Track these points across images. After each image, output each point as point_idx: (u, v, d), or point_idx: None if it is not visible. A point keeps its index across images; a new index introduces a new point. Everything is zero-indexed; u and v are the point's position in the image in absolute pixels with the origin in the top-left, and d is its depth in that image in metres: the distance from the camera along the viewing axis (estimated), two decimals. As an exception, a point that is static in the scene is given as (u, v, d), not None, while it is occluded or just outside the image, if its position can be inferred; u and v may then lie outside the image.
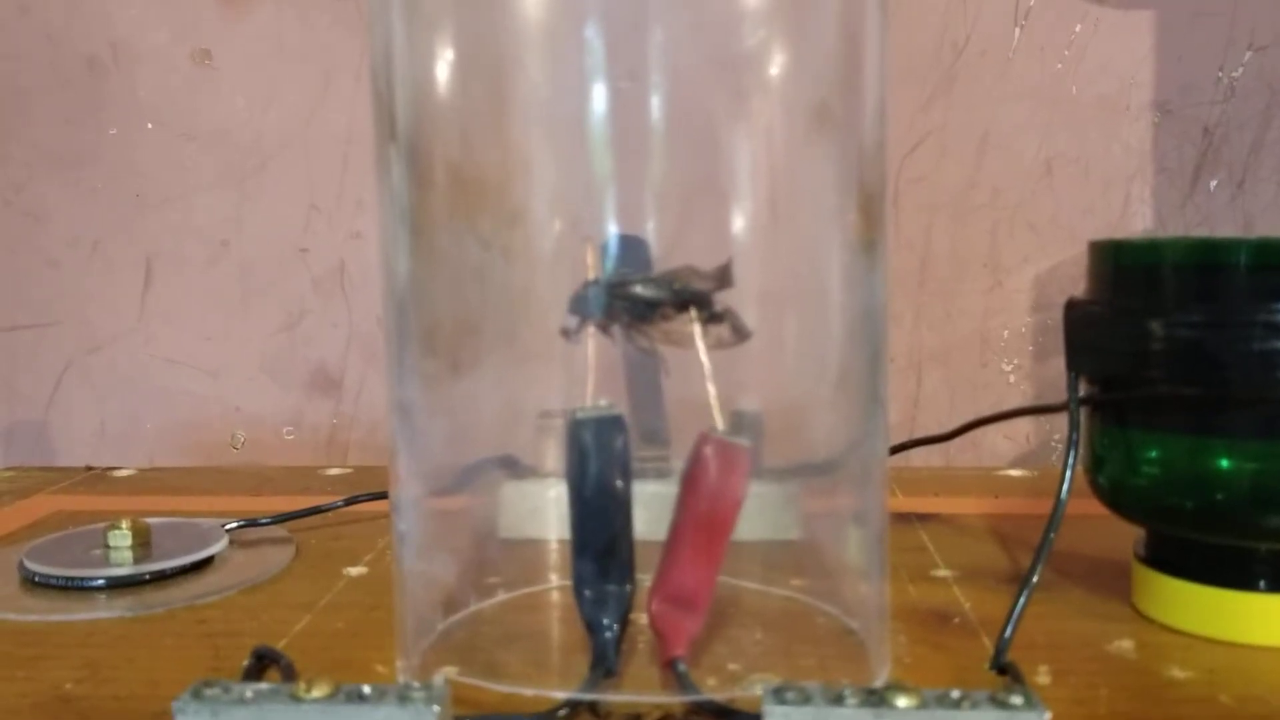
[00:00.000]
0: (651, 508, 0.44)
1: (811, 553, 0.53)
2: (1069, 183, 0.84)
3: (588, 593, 0.43)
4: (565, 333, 0.44)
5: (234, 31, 0.88)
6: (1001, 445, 0.86)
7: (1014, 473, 0.75)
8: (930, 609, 0.50)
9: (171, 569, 0.54)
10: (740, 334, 0.45)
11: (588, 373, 0.43)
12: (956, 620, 0.49)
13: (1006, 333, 0.85)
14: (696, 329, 0.44)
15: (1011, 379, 0.86)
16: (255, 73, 0.88)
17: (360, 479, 0.75)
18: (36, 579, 0.54)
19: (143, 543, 0.56)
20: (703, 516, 0.42)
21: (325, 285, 0.89)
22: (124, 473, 0.79)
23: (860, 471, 0.45)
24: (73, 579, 0.53)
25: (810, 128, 0.42)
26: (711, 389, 0.43)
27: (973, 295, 0.85)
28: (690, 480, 0.42)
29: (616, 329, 0.44)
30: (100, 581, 0.53)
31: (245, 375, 0.90)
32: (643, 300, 0.44)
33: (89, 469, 0.81)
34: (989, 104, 0.84)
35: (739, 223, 0.43)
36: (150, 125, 0.89)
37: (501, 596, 0.50)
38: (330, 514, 0.63)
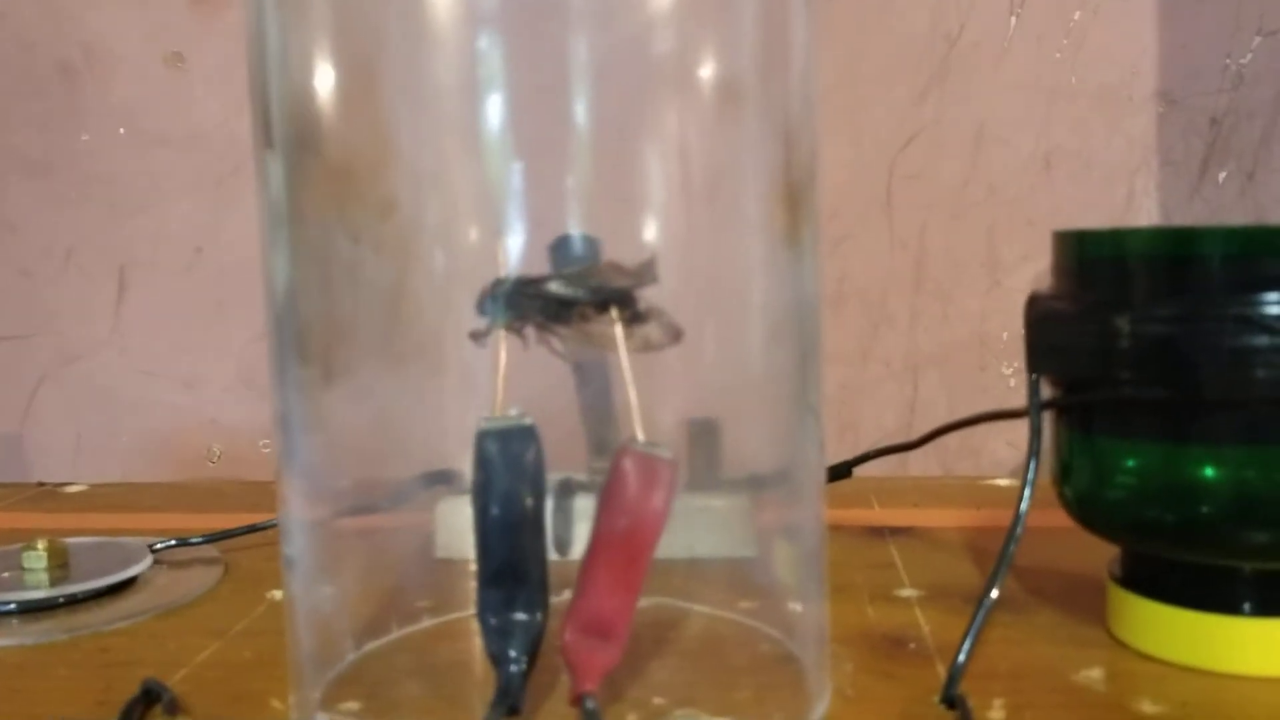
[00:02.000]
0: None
1: (759, 572, 0.48)
2: (1070, 177, 0.79)
3: (493, 621, 0.39)
4: (475, 336, 0.40)
5: (206, 33, 0.85)
6: (1002, 452, 0.81)
7: (1002, 482, 0.70)
8: (886, 633, 0.45)
9: (84, 592, 0.51)
10: (670, 334, 0.41)
11: (497, 379, 0.40)
12: (912, 646, 0.44)
13: (1006, 334, 0.81)
14: (618, 330, 0.40)
15: (1012, 382, 0.81)
16: (228, 75, 0.85)
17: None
18: (-56, 604, 0.51)
19: (60, 564, 0.53)
20: (620, 536, 0.38)
21: (301, 293, 0.86)
22: (75, 488, 0.76)
23: (794, 486, 0.41)
24: (-21, 603, 0.50)
25: (727, 108, 0.38)
26: (633, 395, 0.39)
27: (970, 296, 0.81)
28: (608, 497, 0.38)
29: (529, 331, 0.41)
30: (10, 606, 0.50)
31: (221, 386, 0.87)
32: (557, 299, 0.40)
33: (40, 485, 0.78)
34: (984, 96, 0.79)
35: (650, 215, 0.39)
36: (123, 130, 0.86)
37: (426, 623, 0.47)
38: (269, 532, 0.59)
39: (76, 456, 0.88)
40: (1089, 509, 0.44)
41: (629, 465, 0.38)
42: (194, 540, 0.57)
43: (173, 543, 0.57)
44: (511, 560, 0.39)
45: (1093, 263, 0.43)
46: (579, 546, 0.44)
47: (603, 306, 0.40)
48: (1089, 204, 0.79)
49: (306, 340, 0.39)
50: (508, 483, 0.39)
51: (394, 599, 0.47)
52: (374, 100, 0.39)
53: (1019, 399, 0.82)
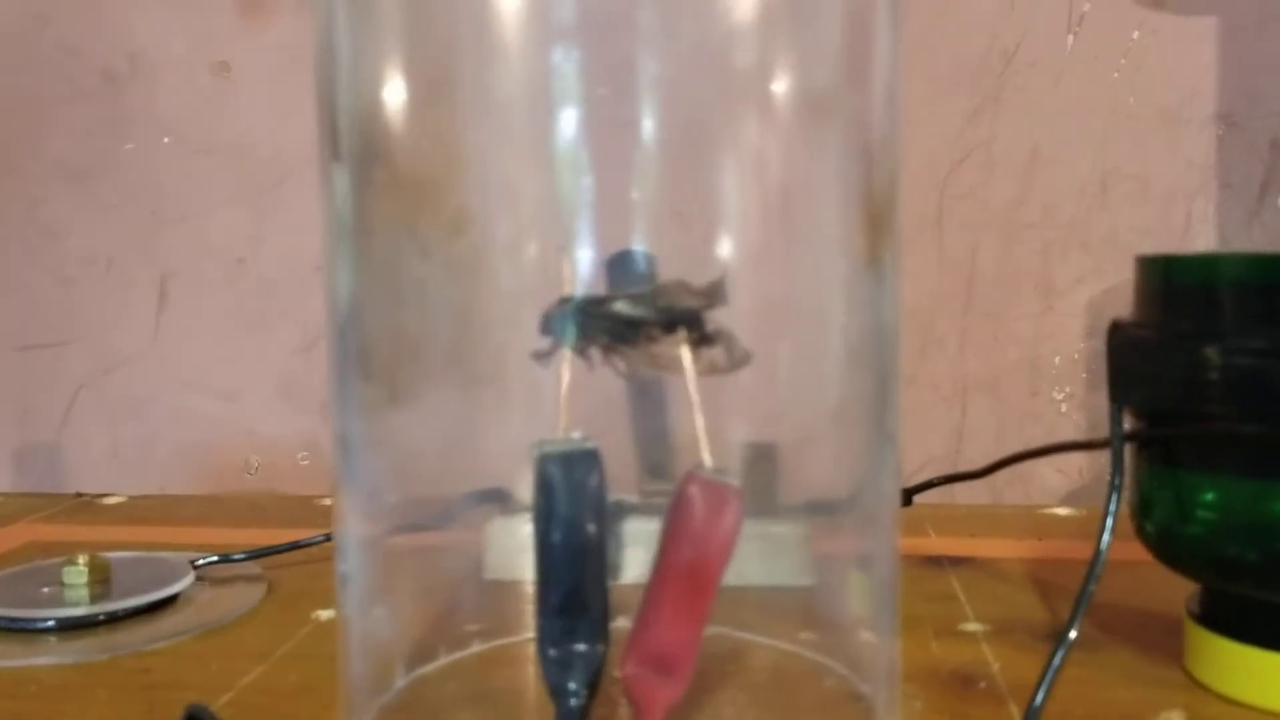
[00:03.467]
0: (653, 548, 0.38)
1: (822, 603, 0.47)
2: (1126, 200, 0.77)
3: (553, 652, 0.37)
4: (538, 355, 0.39)
5: (253, 43, 0.84)
6: (1053, 480, 0.79)
7: (1061, 511, 0.68)
8: (954, 670, 0.44)
9: (125, 610, 0.49)
10: (737, 358, 0.39)
11: (560, 400, 0.38)
12: (983, 685, 0.42)
13: (1058, 359, 0.79)
14: (685, 352, 0.38)
15: (1063, 409, 0.79)
16: (275, 85, 0.84)
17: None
18: (-18, 620, 0.49)
19: (101, 579, 0.52)
20: (685, 566, 0.36)
21: (343, 305, 0.84)
22: (113, 500, 0.75)
23: (867, 515, 0.39)
24: (18, 620, 0.48)
25: (807, 121, 0.37)
26: (699, 419, 0.38)
27: (1022, 319, 0.79)
28: (672, 525, 0.37)
29: (594, 352, 0.39)
30: (50, 623, 0.48)
31: (261, 398, 0.86)
32: (623, 319, 0.38)
33: (79, 495, 0.77)
34: (1040, 116, 0.77)
35: (726, 234, 0.38)
36: (167, 139, 0.85)
37: (476, 647, 0.45)
38: (313, 549, 0.58)
39: (113, 466, 0.87)
40: (1169, 544, 0.42)
41: (695, 492, 0.36)
42: (236, 556, 0.56)
43: (215, 559, 0.55)
44: (573, 589, 0.37)
45: (1180, 289, 0.41)
46: (630, 571, 0.43)
47: (670, 328, 0.38)
48: (1146, 228, 0.77)
49: (371, 357, 0.37)
50: (571, 509, 0.37)
51: (443, 622, 0.45)
52: (446, 111, 0.38)
53: (1071, 426, 0.81)
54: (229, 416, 0.86)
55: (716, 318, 0.38)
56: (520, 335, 0.37)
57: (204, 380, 0.86)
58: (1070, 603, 0.50)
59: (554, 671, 0.37)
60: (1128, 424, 0.42)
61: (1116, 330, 0.42)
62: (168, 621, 0.50)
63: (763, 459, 0.49)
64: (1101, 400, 0.78)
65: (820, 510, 0.45)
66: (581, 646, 0.37)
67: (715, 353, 0.39)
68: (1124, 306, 0.79)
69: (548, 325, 0.38)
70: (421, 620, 0.45)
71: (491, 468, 0.43)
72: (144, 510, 0.72)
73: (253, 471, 0.86)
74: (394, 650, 0.42)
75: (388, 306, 0.37)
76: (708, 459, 0.37)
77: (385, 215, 0.37)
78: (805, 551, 0.48)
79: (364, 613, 0.39)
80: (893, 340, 0.37)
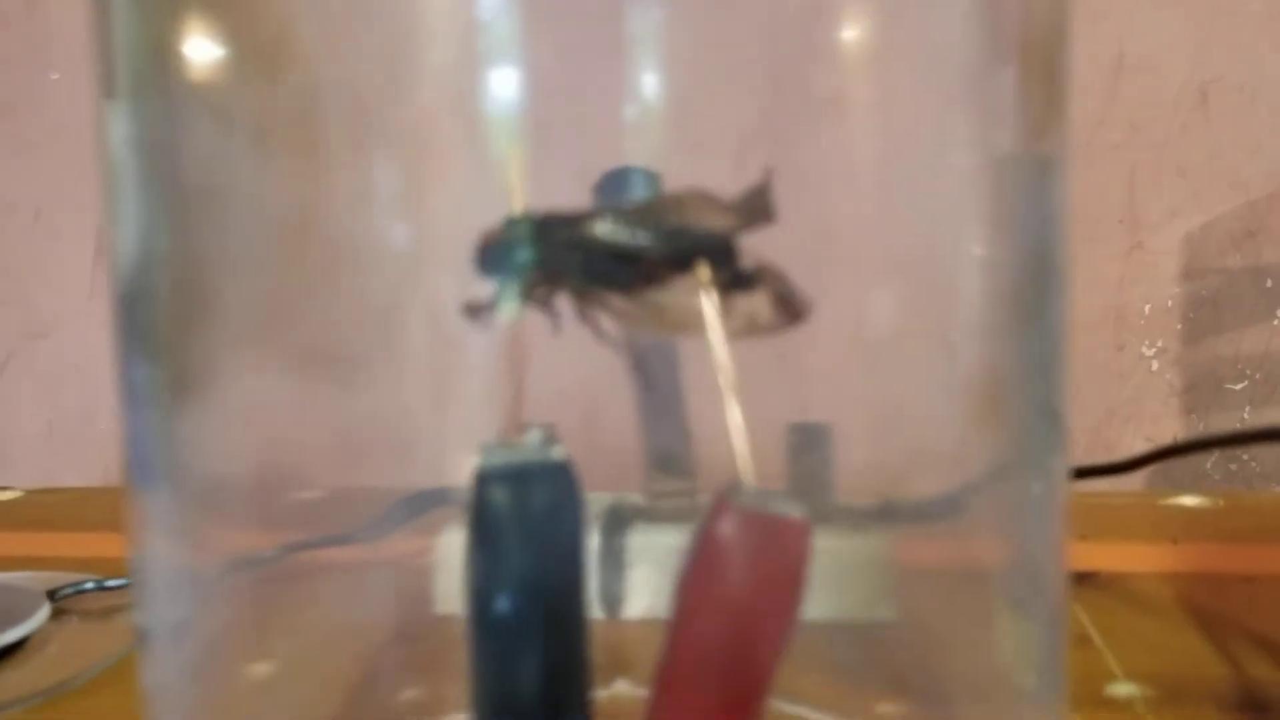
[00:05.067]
0: (668, 570, 0.23)
1: (919, 654, 0.31)
2: (1230, 114, 0.62)
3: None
4: (471, 310, 0.23)
5: (191, -50, 0.68)
6: (1141, 449, 0.63)
7: (1188, 501, 0.51)
8: (1115, 768, 0.28)
9: (-62, 670, 0.34)
10: (789, 310, 0.24)
11: (511, 380, 0.22)
12: (1164, 795, 0.27)
13: (1148, 307, 0.63)
14: (708, 302, 0.23)
15: (1154, 366, 0.63)
16: (219, 1, 0.69)
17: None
18: None
19: (-75, 621, 0.37)
20: (718, 649, 0.21)
21: (304, 256, 0.69)
22: (8, 495, 0.59)
23: (1017, 526, 0.24)
24: None
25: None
26: (735, 410, 0.22)
27: (1106, 260, 0.64)
28: (695, 583, 0.21)
29: (563, 301, 0.23)
30: None
31: (212, 365, 0.71)
32: (609, 250, 0.23)
33: (-36, 492, 0.62)
34: (1125, 15, 0.62)
35: (767, 105, 0.22)
36: (97, 67, 0.70)
37: (411, 732, 0.30)
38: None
39: (48, 443, 0.72)
40: None
41: (730, 533, 0.21)
42: (111, 583, 0.40)
43: (88, 584, 0.40)
44: (527, 692, 0.22)
45: None
46: (637, 602, 0.28)
47: (683, 263, 0.23)
48: (1254, 147, 0.62)
49: (151, 322, 0.21)
50: (526, 560, 0.21)
51: (362, 688, 0.30)
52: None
53: (1163, 385, 0.65)
54: (178, 387, 0.71)
55: (753, 248, 0.23)
56: (431, 270, 0.21)
57: (148, 346, 0.71)
58: (1246, 644, 0.34)
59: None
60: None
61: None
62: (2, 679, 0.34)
63: (812, 446, 0.33)
64: (1200, 354, 0.63)
65: (932, 516, 0.30)
66: (546, 779, 0.22)
67: (756, 302, 0.24)
68: (1228, 243, 0.64)
69: (486, 260, 0.23)
70: (322, 688, 0.29)
71: (364, 471, 0.27)
72: (35, 510, 0.56)
73: (206, 450, 0.71)
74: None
75: (178, 241, 0.21)
76: (749, 475, 0.22)
77: (165, 70, 0.21)
78: (883, 574, 0.33)
79: (199, 687, 0.24)
80: (1060, 271, 0.21)
